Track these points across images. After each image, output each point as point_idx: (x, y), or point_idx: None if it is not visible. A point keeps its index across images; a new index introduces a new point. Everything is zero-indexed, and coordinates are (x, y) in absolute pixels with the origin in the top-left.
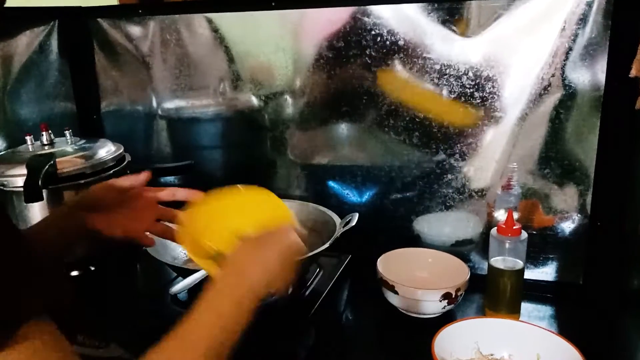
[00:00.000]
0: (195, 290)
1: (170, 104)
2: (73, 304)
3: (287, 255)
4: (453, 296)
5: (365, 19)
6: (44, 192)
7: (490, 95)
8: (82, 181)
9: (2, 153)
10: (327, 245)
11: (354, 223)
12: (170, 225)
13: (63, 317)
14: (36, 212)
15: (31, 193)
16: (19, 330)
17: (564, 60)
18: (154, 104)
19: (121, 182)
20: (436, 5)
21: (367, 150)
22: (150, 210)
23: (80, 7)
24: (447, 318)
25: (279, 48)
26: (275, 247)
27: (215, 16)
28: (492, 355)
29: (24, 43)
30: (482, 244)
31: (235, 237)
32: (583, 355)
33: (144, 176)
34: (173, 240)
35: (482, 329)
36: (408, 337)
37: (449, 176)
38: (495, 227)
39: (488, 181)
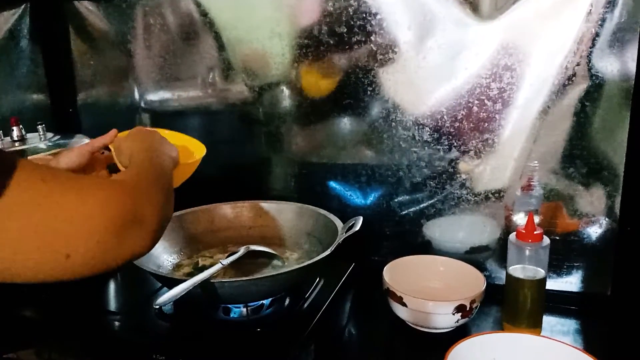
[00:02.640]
0: (183, 303)
1: (154, 96)
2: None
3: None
4: (467, 309)
5: (370, 1)
6: None
7: (509, 86)
8: None
9: None
10: (327, 252)
11: (357, 228)
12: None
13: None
14: None
15: None
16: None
17: (591, 48)
18: (136, 95)
19: (87, 148)
20: None
21: (372, 148)
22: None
23: None
24: (460, 333)
25: (274, 33)
26: (147, 136)
27: None
28: None
29: None
30: (499, 251)
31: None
32: None
33: (109, 137)
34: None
35: (499, 345)
36: (418, 355)
37: (463, 176)
38: (514, 232)
39: (506, 181)
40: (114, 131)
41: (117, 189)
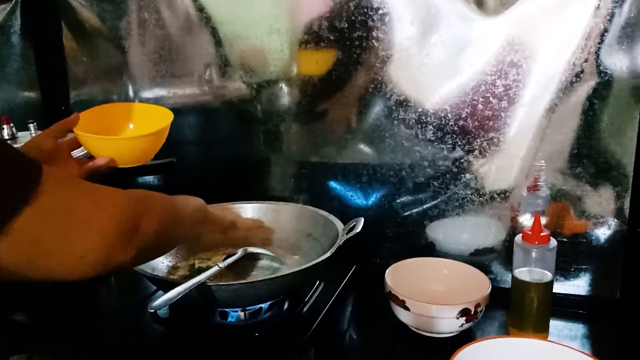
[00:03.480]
0: (179, 306)
1: (149, 93)
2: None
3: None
4: (472, 312)
5: None
6: None
7: (515, 84)
8: None
9: None
10: (328, 254)
11: (358, 229)
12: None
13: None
14: None
15: None
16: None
17: (599, 44)
18: (131, 93)
19: (49, 134)
20: None
21: (374, 147)
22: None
23: None
24: (465, 338)
25: (273, 29)
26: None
27: None
28: None
29: None
30: (505, 253)
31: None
32: None
33: (70, 121)
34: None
35: (505, 350)
36: None
37: (467, 176)
38: (520, 234)
39: (512, 181)
40: (75, 115)
41: (127, 198)
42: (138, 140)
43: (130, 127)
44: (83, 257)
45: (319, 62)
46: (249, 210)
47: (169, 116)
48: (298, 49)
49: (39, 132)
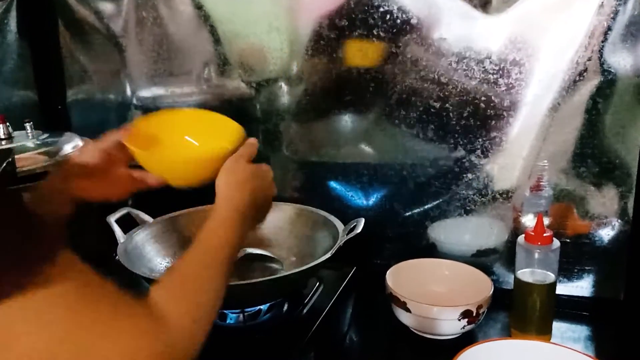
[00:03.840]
0: None
1: (147, 92)
2: None
3: (263, 186)
4: (474, 314)
5: None
6: None
7: (517, 82)
8: None
9: None
10: (328, 255)
11: (359, 230)
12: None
13: None
14: None
15: None
16: (43, 266)
17: (602, 42)
18: (128, 92)
19: (99, 147)
20: None
21: (375, 146)
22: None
23: None
24: (467, 340)
25: (272, 27)
26: (254, 177)
27: None
28: None
29: None
30: (507, 254)
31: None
32: None
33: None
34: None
35: (507, 352)
36: None
37: (470, 176)
38: (523, 235)
39: (514, 181)
40: (125, 129)
41: (155, 342)
42: (202, 161)
43: (186, 139)
44: None
45: (365, 53)
46: None
47: (237, 131)
48: (346, 39)
49: (36, 131)
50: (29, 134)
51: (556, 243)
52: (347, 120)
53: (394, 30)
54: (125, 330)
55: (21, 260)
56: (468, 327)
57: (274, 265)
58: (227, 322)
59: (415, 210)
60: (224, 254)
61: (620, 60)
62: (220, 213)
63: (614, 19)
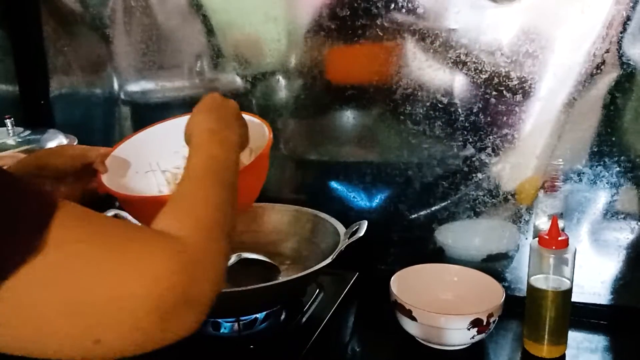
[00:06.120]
0: None
1: (135, 87)
2: None
3: (223, 104)
4: (484, 323)
5: None
6: None
7: (530, 76)
8: None
9: None
10: (328, 260)
11: (362, 233)
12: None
13: None
14: None
15: None
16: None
17: (621, 33)
18: (116, 86)
19: (82, 155)
20: None
21: (378, 144)
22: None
23: None
24: (476, 350)
25: (269, 17)
26: (208, 102)
27: None
28: None
29: None
30: (519, 259)
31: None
32: None
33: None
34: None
35: None
36: None
37: (479, 175)
38: (536, 238)
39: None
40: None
41: (172, 259)
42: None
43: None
44: (99, 341)
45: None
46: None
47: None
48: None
49: (17, 128)
50: (10, 131)
51: (572, 247)
52: (348, 117)
53: (399, 20)
54: (141, 253)
55: (16, 226)
56: (478, 337)
57: (271, 271)
58: (222, 331)
59: (422, 213)
60: (213, 166)
61: None
62: (195, 140)
63: (633, 8)
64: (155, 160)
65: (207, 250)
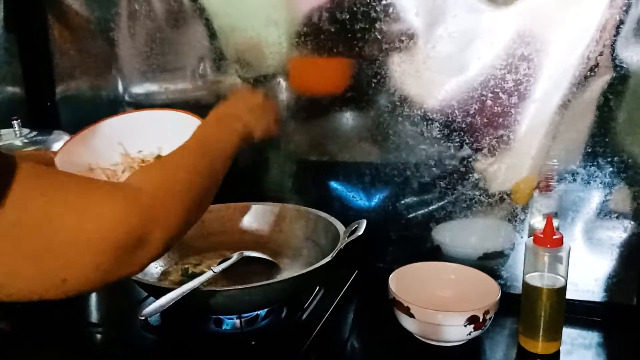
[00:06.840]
0: (171, 314)
1: (139, 89)
2: None
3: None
4: (480, 320)
5: None
6: None
7: (526, 78)
8: None
9: None
10: (328, 258)
11: (361, 232)
12: None
13: None
14: None
15: None
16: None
17: (615, 36)
18: (120, 88)
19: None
20: None
21: (377, 145)
22: None
23: None
24: (473, 346)
25: (270, 20)
26: (240, 98)
27: None
28: None
29: None
30: (515, 257)
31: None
32: None
33: None
34: None
35: None
36: None
37: (476, 175)
38: (531, 237)
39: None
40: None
41: (127, 204)
42: None
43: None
44: (65, 280)
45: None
46: (244, 212)
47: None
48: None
49: (24, 129)
50: (17, 132)
51: (566, 246)
52: (348, 118)
53: (397, 23)
54: (100, 201)
55: None
56: (474, 334)
57: (272, 269)
58: (224, 328)
59: (420, 212)
60: (202, 140)
61: (633, 55)
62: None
63: (626, 12)
64: (94, 160)
65: (164, 203)
